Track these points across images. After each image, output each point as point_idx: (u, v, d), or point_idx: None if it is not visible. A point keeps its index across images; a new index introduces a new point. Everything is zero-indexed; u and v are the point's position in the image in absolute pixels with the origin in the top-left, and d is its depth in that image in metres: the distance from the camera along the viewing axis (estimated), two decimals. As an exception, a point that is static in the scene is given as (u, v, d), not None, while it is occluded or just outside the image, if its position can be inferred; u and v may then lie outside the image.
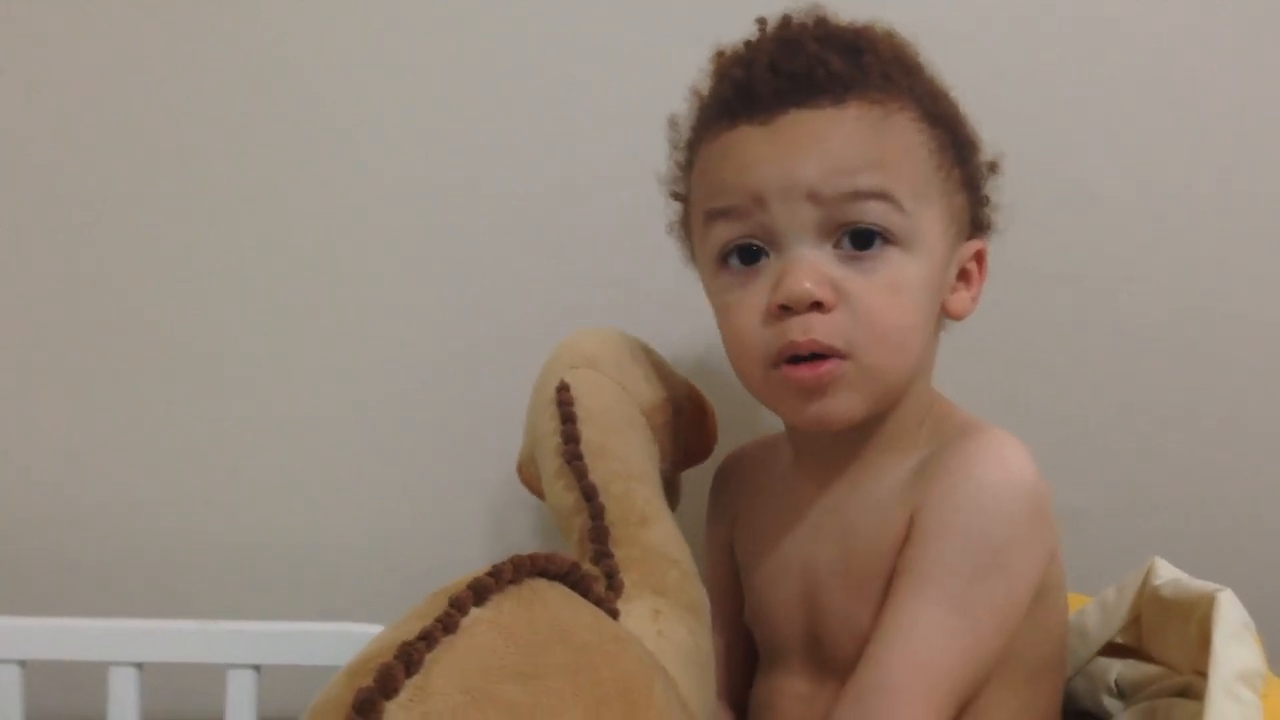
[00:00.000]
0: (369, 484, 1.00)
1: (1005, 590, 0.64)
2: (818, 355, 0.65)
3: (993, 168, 0.74)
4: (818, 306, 0.65)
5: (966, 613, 0.62)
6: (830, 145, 0.65)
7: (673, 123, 0.75)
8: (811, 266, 0.65)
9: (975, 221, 0.72)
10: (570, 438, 0.72)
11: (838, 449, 0.71)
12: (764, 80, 0.67)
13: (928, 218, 0.67)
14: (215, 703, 0.80)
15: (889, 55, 0.68)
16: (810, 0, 0.71)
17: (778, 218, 0.66)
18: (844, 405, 0.66)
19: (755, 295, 0.67)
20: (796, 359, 0.66)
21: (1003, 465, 0.65)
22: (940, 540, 0.64)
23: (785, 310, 0.65)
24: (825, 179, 0.64)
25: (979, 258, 0.72)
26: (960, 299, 0.71)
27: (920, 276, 0.66)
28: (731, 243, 0.68)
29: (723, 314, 0.70)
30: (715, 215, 0.69)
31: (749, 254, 0.68)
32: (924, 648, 0.62)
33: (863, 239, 0.65)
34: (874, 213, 0.65)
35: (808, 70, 0.66)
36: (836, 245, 0.66)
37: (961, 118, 0.72)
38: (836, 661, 0.69)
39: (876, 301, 0.65)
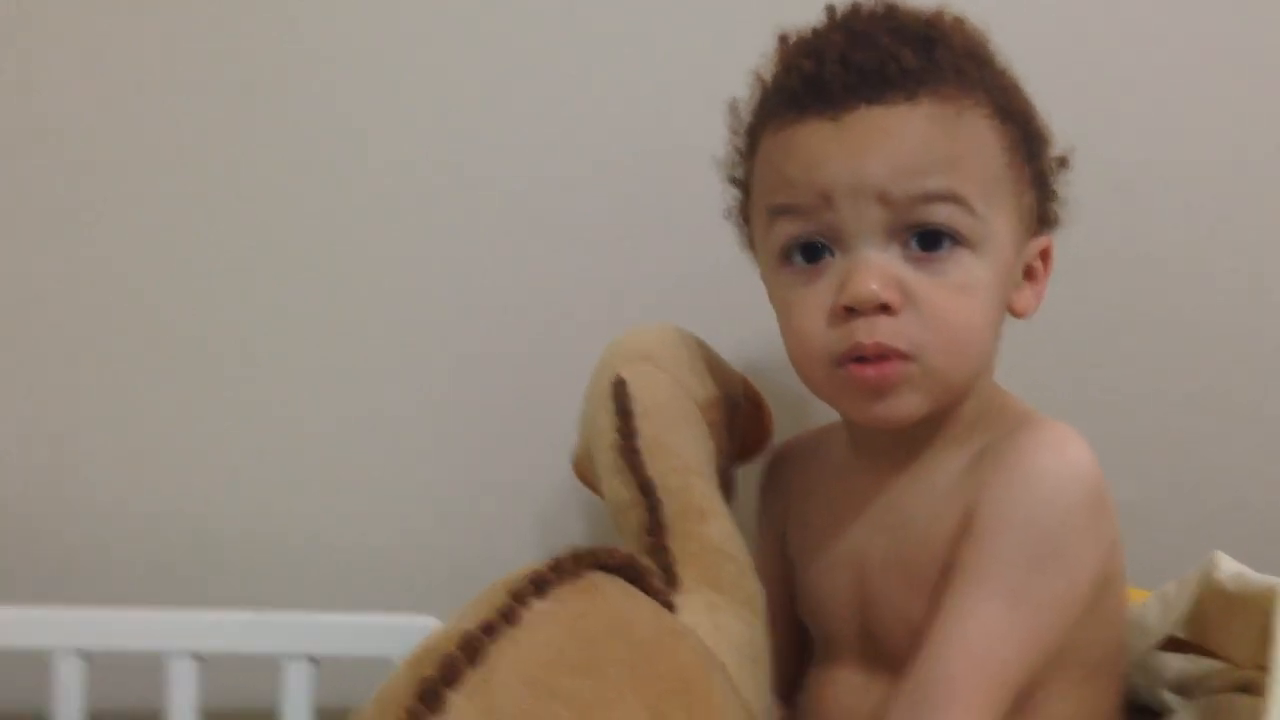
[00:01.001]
0: (425, 479, 1.01)
1: (1064, 582, 0.63)
2: (883, 355, 0.65)
3: (1062, 163, 0.72)
4: (884, 309, 0.64)
5: (1024, 606, 0.62)
6: (901, 145, 0.64)
7: (733, 107, 0.74)
8: (879, 268, 0.64)
9: (1043, 218, 0.71)
10: (627, 433, 0.72)
11: (896, 443, 0.71)
12: (835, 74, 0.65)
13: (998, 218, 0.66)
14: (272, 693, 0.81)
15: (962, 48, 0.67)
16: None
17: (845, 218, 0.65)
18: (907, 405, 0.66)
19: (819, 295, 0.66)
20: (862, 359, 0.65)
21: (1060, 456, 0.64)
22: (998, 533, 0.63)
23: (851, 312, 0.65)
24: (895, 180, 0.63)
25: (1045, 255, 0.71)
26: (1025, 297, 0.70)
27: (988, 278, 0.65)
28: (795, 240, 0.67)
29: (784, 311, 0.70)
30: (779, 211, 0.68)
31: (813, 252, 0.67)
32: (981, 642, 0.62)
33: (931, 240, 0.64)
34: (943, 214, 0.64)
35: (880, 65, 0.64)
36: (904, 246, 0.65)
37: (1033, 111, 0.70)
38: (890, 654, 0.69)
39: (944, 304, 0.64)
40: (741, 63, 0.73)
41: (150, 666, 0.81)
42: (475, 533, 1.00)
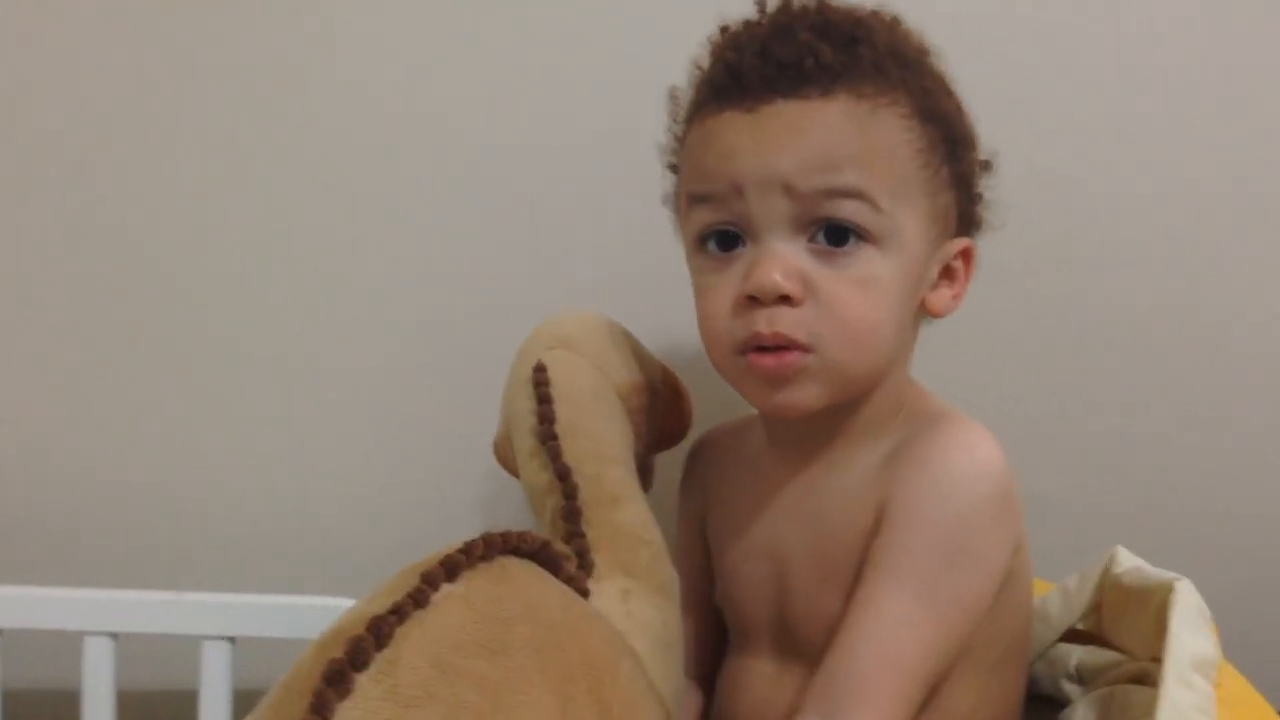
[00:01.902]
0: (348, 459, 1.01)
1: (972, 579, 0.64)
2: (782, 345, 0.66)
3: (985, 166, 0.73)
4: (785, 300, 0.65)
5: (934, 602, 0.63)
6: (810, 140, 0.65)
7: (673, 95, 0.75)
8: (782, 259, 0.65)
9: (964, 219, 0.72)
10: (545, 418, 0.72)
11: (810, 434, 0.71)
12: (752, 67, 0.66)
13: (906, 217, 0.66)
14: (190, 673, 0.80)
15: (886, 47, 0.67)
16: None
17: (753, 209, 0.66)
18: (805, 395, 0.67)
19: (728, 282, 0.67)
20: (762, 348, 0.66)
21: (970, 455, 0.65)
22: (908, 529, 0.64)
23: (754, 301, 0.66)
24: (802, 174, 0.64)
25: (966, 256, 0.71)
26: (941, 297, 0.71)
27: (893, 274, 0.66)
28: (709, 228, 0.68)
29: (698, 296, 0.71)
30: (696, 199, 0.69)
31: (726, 240, 0.68)
32: (892, 637, 0.63)
33: (836, 235, 0.65)
34: (848, 210, 0.65)
35: (797, 60, 0.65)
36: (811, 239, 0.66)
37: (957, 114, 0.71)
38: (804, 645, 0.70)
39: (845, 297, 0.65)
40: (688, 51, 0.73)
41: (66, 646, 0.81)
42: (398, 514, 1.00)
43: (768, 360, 0.66)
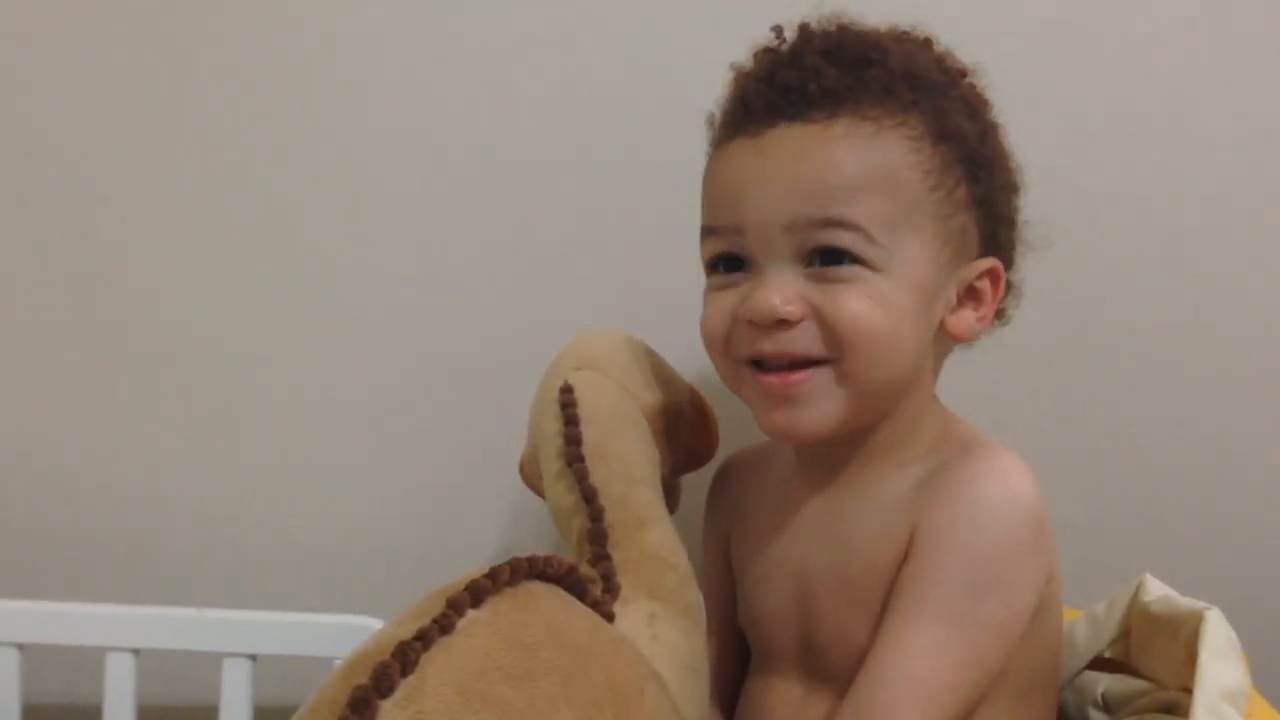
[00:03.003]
0: (372, 477, 1.01)
1: (1004, 608, 0.64)
2: (795, 364, 0.66)
3: (1012, 187, 0.72)
4: (784, 324, 0.65)
5: (966, 631, 0.63)
6: (809, 168, 0.65)
7: (709, 120, 0.75)
8: (780, 285, 0.66)
9: (990, 240, 0.71)
10: (572, 439, 0.73)
11: (836, 455, 0.71)
12: (759, 93, 0.67)
13: (910, 243, 0.66)
14: (211, 690, 0.81)
15: (899, 68, 0.67)
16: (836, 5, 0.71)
17: (753, 241, 0.67)
18: (816, 414, 0.67)
19: (730, 299, 0.68)
20: (766, 367, 0.67)
21: (1004, 483, 0.65)
22: (941, 557, 0.64)
23: (753, 325, 0.66)
24: (799, 206, 0.65)
25: (993, 277, 0.70)
26: (963, 319, 0.70)
27: (894, 294, 0.65)
28: (718, 255, 0.70)
29: (704, 307, 0.71)
30: (705, 231, 0.71)
31: (733, 262, 0.69)
32: (923, 665, 0.63)
33: (833, 257, 0.65)
34: (844, 240, 0.65)
35: (800, 84, 0.66)
36: (809, 265, 0.66)
37: (980, 135, 0.70)
38: (830, 669, 0.69)
39: (848, 309, 0.65)
40: (723, 70, 0.73)
41: (88, 661, 0.81)
42: (421, 533, 1.00)
43: (772, 378, 0.67)
